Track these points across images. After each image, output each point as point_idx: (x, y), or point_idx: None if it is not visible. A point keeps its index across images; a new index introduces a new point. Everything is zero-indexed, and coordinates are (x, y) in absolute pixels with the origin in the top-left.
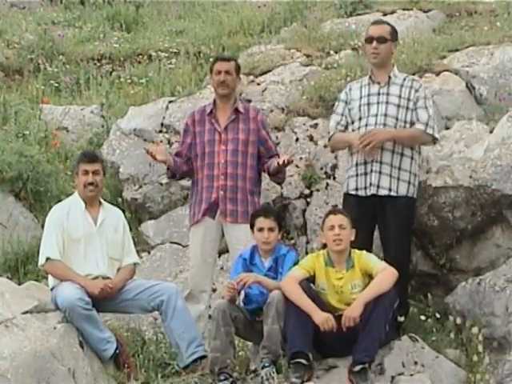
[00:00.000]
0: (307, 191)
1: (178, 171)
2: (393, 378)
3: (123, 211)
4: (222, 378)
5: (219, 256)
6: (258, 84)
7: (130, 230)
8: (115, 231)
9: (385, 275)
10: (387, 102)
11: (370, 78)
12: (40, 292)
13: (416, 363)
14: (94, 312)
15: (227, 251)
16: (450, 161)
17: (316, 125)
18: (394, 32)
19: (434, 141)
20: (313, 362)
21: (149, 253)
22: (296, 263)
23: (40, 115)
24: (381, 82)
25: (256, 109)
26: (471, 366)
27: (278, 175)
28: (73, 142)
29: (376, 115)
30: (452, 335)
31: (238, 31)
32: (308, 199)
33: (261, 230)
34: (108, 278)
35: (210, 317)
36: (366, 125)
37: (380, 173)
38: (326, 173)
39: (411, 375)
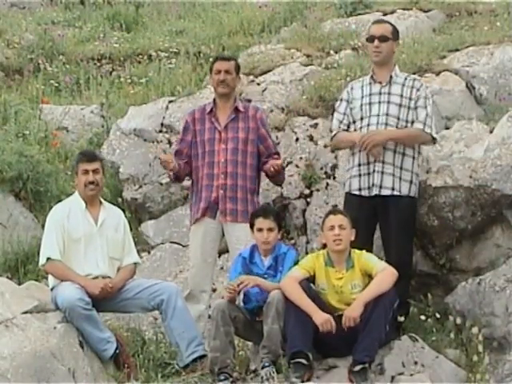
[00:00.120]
0: (307, 191)
1: (183, 174)
2: (393, 377)
3: (123, 211)
4: (222, 377)
5: (219, 256)
6: (258, 84)
7: (130, 229)
8: (116, 231)
9: (385, 275)
10: (389, 102)
11: (372, 77)
12: (40, 292)
13: (416, 363)
14: (94, 312)
15: (227, 251)
16: (449, 161)
17: (316, 125)
18: (395, 31)
19: (434, 140)
20: (313, 361)
21: (149, 253)
22: (296, 262)
23: (40, 115)
24: (382, 82)
25: (255, 107)
26: (471, 366)
27: (276, 177)
28: (73, 141)
29: (378, 115)
30: (452, 335)
31: (238, 31)
32: (308, 199)
33: (260, 230)
34: (108, 277)
35: (209, 317)
36: (368, 124)
37: (383, 173)
38: (326, 173)
39: (411, 375)
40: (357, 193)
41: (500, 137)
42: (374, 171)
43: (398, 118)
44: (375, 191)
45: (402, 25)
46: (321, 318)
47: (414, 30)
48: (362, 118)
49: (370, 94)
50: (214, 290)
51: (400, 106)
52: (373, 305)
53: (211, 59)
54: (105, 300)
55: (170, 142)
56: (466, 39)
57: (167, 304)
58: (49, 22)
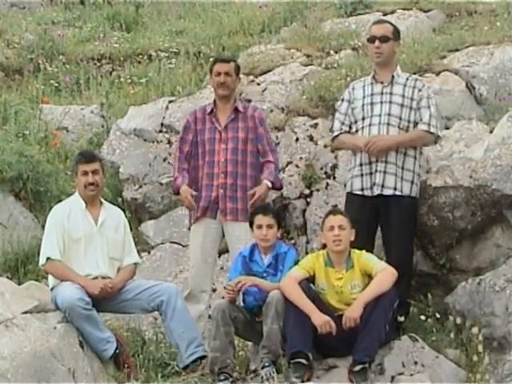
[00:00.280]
0: (307, 191)
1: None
2: (393, 377)
3: (123, 211)
4: (222, 377)
5: (219, 256)
6: (258, 84)
7: (130, 229)
8: (116, 231)
9: (384, 275)
10: (390, 102)
11: (374, 77)
12: (40, 292)
13: (416, 363)
14: (94, 312)
15: (227, 251)
16: (450, 161)
17: (316, 125)
18: (396, 31)
19: (436, 140)
20: (313, 361)
21: (149, 253)
22: (296, 261)
23: (40, 115)
24: (384, 82)
25: (254, 107)
26: (471, 366)
27: (273, 185)
28: (73, 142)
29: (379, 115)
30: (452, 335)
31: (238, 31)
32: (308, 199)
33: (259, 227)
34: (108, 277)
35: (209, 317)
36: (370, 124)
37: (385, 172)
38: (326, 173)
39: (411, 375)
40: (359, 193)
41: (500, 137)
42: (376, 171)
43: (400, 118)
44: (377, 191)
45: (402, 25)
46: (320, 319)
47: (414, 30)
48: (363, 118)
49: (372, 94)
50: (214, 290)
51: (402, 106)
52: (373, 305)
53: (211, 59)
54: (105, 300)
55: (169, 142)
56: (466, 39)
57: (167, 305)
58: (49, 22)
